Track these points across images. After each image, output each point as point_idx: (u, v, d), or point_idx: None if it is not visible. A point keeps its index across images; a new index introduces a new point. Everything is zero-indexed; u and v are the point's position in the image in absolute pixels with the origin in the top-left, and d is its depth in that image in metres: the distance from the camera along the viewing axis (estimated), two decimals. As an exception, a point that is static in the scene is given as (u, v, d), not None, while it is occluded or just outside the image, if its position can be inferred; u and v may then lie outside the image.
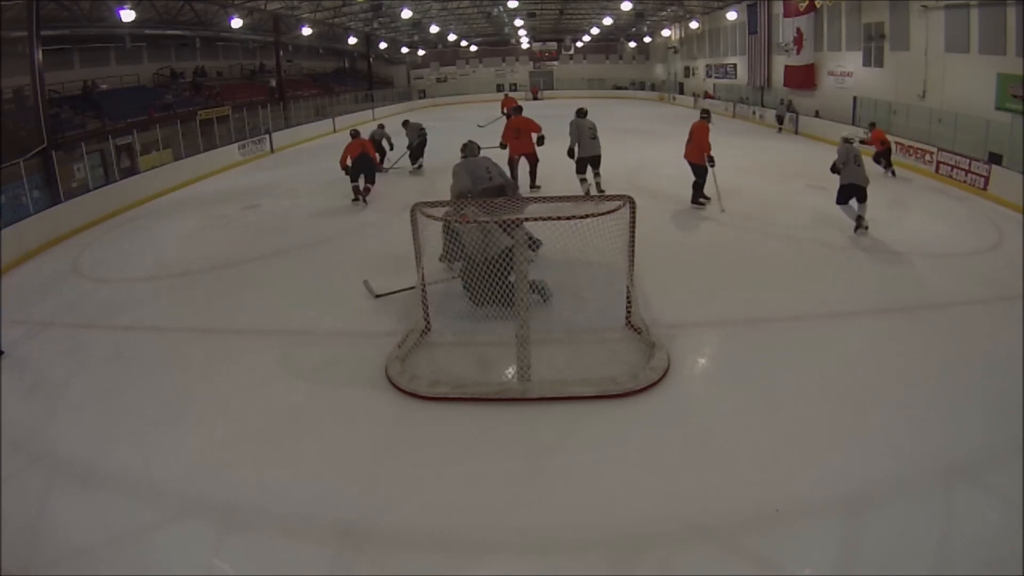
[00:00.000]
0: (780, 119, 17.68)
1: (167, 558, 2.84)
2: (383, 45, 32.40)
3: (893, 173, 10.82)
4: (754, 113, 20.44)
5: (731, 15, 22.80)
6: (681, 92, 29.05)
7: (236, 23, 18.22)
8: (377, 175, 9.97)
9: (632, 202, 4.42)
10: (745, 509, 2.97)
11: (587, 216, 3.92)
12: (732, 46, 24.12)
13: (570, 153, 8.64)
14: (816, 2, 16.84)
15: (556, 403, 3.87)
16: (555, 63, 37.16)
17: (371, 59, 32.18)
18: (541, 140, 9.08)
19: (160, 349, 5.07)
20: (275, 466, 3.44)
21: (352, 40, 28.01)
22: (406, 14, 24.11)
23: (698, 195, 8.42)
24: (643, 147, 14.12)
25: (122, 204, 10.49)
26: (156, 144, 13.31)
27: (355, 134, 9.82)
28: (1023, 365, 4.06)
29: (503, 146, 9.11)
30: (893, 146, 11.72)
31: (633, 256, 4.62)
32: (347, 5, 23.55)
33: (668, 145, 14.30)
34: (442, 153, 11.38)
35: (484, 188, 5.89)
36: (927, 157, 11.04)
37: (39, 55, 11.13)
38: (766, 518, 2.90)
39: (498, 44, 36.52)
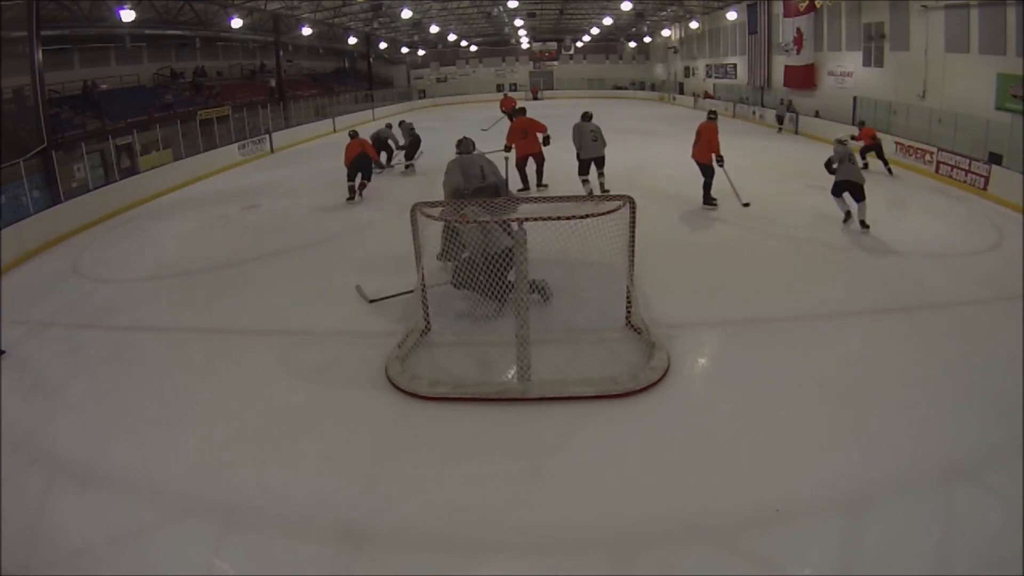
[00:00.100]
0: (780, 119, 17.67)
1: (167, 558, 2.84)
2: (383, 45, 32.39)
3: (889, 170, 10.90)
4: (754, 113, 20.43)
5: (731, 15, 22.79)
6: (681, 92, 29.03)
7: (236, 23, 18.22)
8: (375, 173, 10.01)
9: (632, 202, 4.43)
10: (745, 509, 2.97)
11: (587, 216, 3.93)
12: (732, 46, 24.11)
13: (579, 156, 8.80)
14: (816, 2, 16.83)
15: (556, 403, 3.87)
16: (555, 63, 37.13)
17: (371, 59, 32.17)
18: (547, 140, 9.19)
19: (160, 349, 5.07)
20: (275, 466, 3.44)
21: (352, 40, 28.00)
22: (406, 14, 24.11)
23: (708, 195, 8.42)
24: (643, 147, 14.12)
25: (122, 204, 10.50)
26: (156, 144, 13.30)
27: (353, 134, 9.88)
28: (1023, 365, 4.06)
29: (508, 148, 9.20)
30: (893, 146, 11.74)
31: (633, 256, 4.62)
32: (347, 5, 23.55)
33: (668, 145, 14.32)
34: (441, 153, 11.36)
35: (477, 187, 5.88)
36: (927, 157, 11.03)
37: (39, 55, 11.13)
38: (766, 518, 2.90)
39: (498, 44, 36.50)
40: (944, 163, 10.50)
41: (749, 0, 21.08)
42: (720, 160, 8.05)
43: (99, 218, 9.76)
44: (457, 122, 19.70)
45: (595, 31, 32.80)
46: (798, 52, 18.30)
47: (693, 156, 8.35)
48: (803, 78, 18.21)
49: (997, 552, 2.68)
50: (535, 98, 32.41)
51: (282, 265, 7.01)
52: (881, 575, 2.61)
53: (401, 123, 12.68)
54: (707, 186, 8.37)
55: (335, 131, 20.84)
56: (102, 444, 3.73)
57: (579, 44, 36.77)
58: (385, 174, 11.68)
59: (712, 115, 8.47)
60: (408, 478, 3.33)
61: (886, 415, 3.71)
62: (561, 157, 9.48)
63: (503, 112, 18.65)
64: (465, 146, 6.50)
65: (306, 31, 23.13)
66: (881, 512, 2.90)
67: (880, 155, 11.01)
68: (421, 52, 35.71)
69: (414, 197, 5.19)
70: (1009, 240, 7.09)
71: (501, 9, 27.25)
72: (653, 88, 33.14)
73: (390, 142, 12.23)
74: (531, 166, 9.37)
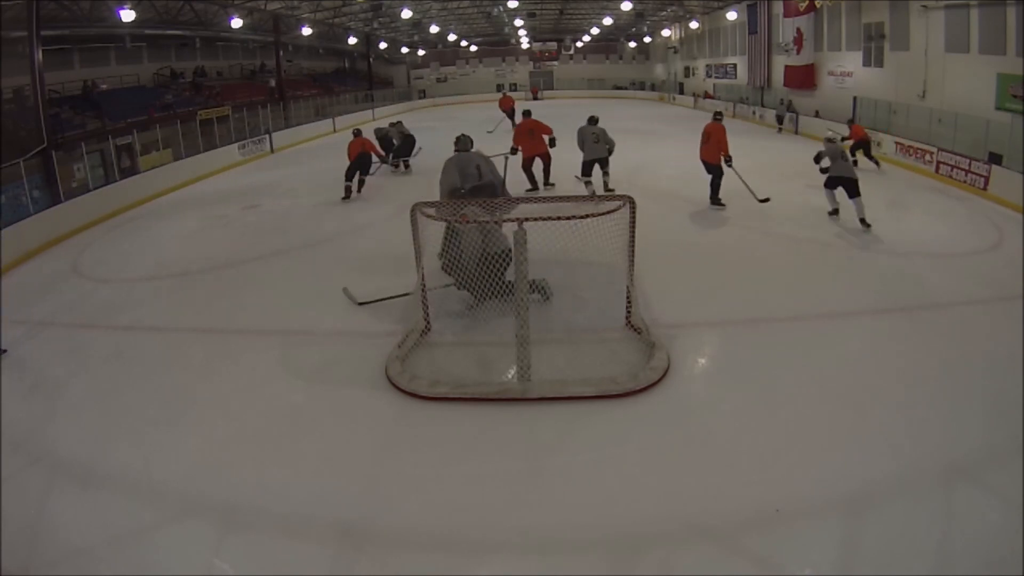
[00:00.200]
0: (780, 119, 17.68)
1: (167, 558, 2.84)
2: (383, 45, 32.38)
3: (877, 164, 11.15)
4: (754, 113, 20.43)
5: (731, 15, 22.79)
6: (681, 92, 29.02)
7: (236, 23, 18.21)
8: (374, 167, 10.11)
9: (632, 202, 4.43)
10: (745, 509, 2.97)
11: (587, 216, 3.93)
12: (732, 46, 24.11)
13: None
14: (816, 2, 16.83)
15: (556, 403, 3.86)
16: (555, 63, 37.12)
17: (371, 59, 32.16)
18: (553, 142, 9.36)
19: (160, 349, 5.07)
20: (275, 466, 3.44)
21: (352, 40, 28.00)
22: (406, 14, 24.11)
23: (716, 196, 8.44)
24: (643, 147, 14.11)
25: (122, 204, 10.49)
26: (156, 144, 13.30)
27: (357, 133, 9.91)
28: (1023, 365, 4.06)
29: (514, 151, 9.28)
30: (894, 146, 11.75)
31: (633, 256, 4.62)
32: (347, 5, 23.55)
33: (668, 145, 14.34)
34: (441, 153, 11.34)
35: (474, 186, 5.87)
36: (927, 157, 11.04)
37: (39, 55, 11.12)
38: (766, 518, 2.90)
39: (498, 44, 36.49)
40: (944, 163, 10.50)
41: (749, 0, 21.09)
42: (729, 160, 8.09)
43: (99, 218, 9.75)
44: (457, 122, 19.69)
45: (595, 31, 32.79)
46: (798, 52, 18.30)
47: (701, 157, 8.39)
48: (803, 78, 18.22)
49: (997, 552, 2.68)
50: (535, 98, 32.41)
51: (282, 265, 7.01)
52: (881, 575, 2.61)
53: (391, 125, 12.75)
54: (715, 186, 8.39)
55: (335, 131, 20.84)
56: (102, 444, 3.73)
57: (579, 44, 36.75)
58: (385, 174, 11.67)
59: (718, 116, 8.55)
60: (408, 478, 3.33)
61: (886, 415, 3.71)
62: (562, 157, 9.54)
63: (503, 111, 18.69)
64: (463, 143, 6.50)
65: (306, 31, 23.13)
66: (881, 512, 2.90)
67: (868, 153, 11.12)
68: (421, 52, 35.70)
69: (414, 197, 5.19)
70: (1009, 240, 7.09)
71: (501, 9, 27.25)
72: (653, 88, 33.13)
73: (394, 140, 12.31)
74: (537, 166, 9.46)
